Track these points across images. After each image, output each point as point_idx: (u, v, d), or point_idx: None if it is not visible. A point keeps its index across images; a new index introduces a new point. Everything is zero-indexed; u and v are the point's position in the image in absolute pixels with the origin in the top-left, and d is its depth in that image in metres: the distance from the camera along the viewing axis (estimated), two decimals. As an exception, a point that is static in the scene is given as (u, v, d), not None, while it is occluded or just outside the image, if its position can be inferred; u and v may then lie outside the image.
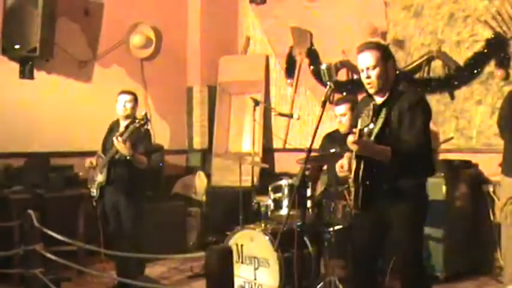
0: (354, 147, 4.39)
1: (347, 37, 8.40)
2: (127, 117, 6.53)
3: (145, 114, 6.23)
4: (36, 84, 7.84)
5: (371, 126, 4.41)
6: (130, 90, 6.71)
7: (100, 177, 6.45)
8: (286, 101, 9.24)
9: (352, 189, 4.52)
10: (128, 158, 6.26)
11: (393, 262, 5.91)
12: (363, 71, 4.66)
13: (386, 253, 5.13)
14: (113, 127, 6.69)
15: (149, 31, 9.11)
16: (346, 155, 4.70)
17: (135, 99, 6.62)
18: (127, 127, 6.27)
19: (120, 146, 6.13)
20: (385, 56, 4.61)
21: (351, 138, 4.39)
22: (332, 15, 8.64)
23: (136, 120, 6.22)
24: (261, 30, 9.67)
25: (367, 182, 4.47)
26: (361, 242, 4.80)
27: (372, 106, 4.46)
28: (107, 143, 6.64)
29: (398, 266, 4.83)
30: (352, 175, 4.52)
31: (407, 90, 4.66)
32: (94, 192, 6.52)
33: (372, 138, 4.43)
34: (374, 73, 4.57)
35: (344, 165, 4.68)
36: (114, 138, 6.17)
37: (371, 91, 4.66)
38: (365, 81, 4.65)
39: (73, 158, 7.86)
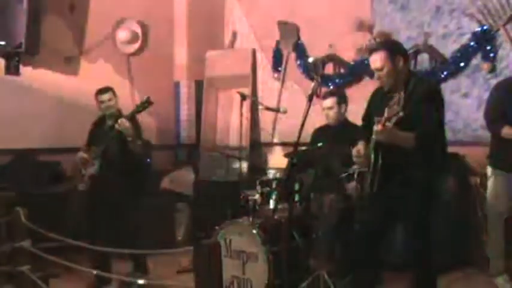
0: (380, 136, 4.50)
1: (334, 31, 8.40)
2: (112, 115, 6.60)
3: (148, 98, 6.34)
4: (22, 80, 7.80)
5: (401, 114, 4.41)
6: (107, 87, 6.71)
7: (92, 169, 6.48)
8: (273, 95, 9.22)
9: (368, 176, 4.69)
10: (120, 148, 6.39)
11: (388, 255, 5.95)
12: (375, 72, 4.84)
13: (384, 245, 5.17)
14: (99, 124, 6.76)
15: (135, 26, 9.08)
16: (361, 142, 4.88)
17: (114, 93, 6.70)
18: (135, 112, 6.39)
19: (126, 126, 6.21)
20: (391, 54, 4.72)
21: (376, 127, 4.49)
22: (319, 8, 8.63)
23: (140, 104, 6.38)
24: (248, 25, 9.66)
25: (385, 170, 4.61)
26: (369, 228, 4.93)
27: (401, 95, 4.48)
28: (94, 139, 6.68)
29: (407, 260, 4.88)
30: (370, 163, 4.69)
31: (422, 81, 4.74)
32: (84, 185, 6.53)
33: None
34: (383, 73, 4.73)
35: (360, 150, 4.85)
36: (122, 120, 6.23)
37: (385, 89, 4.80)
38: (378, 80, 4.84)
39: (60, 154, 7.83)
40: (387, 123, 4.44)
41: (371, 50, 4.84)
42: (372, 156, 4.66)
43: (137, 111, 6.38)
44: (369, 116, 4.97)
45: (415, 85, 4.69)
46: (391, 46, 4.81)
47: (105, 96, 6.61)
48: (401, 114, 4.40)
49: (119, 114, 6.57)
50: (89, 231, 6.64)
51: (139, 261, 6.73)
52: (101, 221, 6.56)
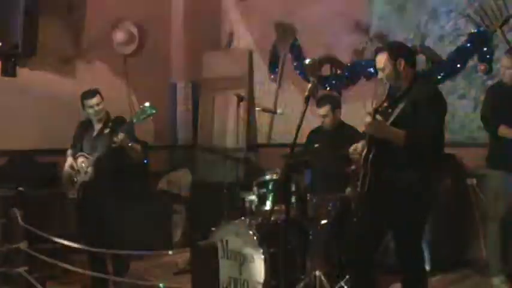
0: (369, 128, 4.58)
1: (331, 32, 8.40)
2: (101, 119, 6.44)
3: (151, 106, 6.03)
4: (18, 81, 7.78)
5: (385, 104, 4.62)
6: (93, 89, 6.42)
7: (85, 177, 6.33)
8: (270, 97, 9.22)
9: (361, 173, 4.67)
10: (113, 153, 6.21)
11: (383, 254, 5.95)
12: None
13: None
14: (86, 128, 6.56)
15: (132, 27, 9.08)
16: (362, 141, 4.88)
17: (101, 97, 6.39)
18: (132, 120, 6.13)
19: (123, 138, 6.00)
20: (392, 56, 4.75)
21: (367, 120, 4.58)
22: (316, 9, 8.63)
23: (141, 111, 6.06)
24: (245, 26, 9.65)
25: (376, 169, 4.60)
26: (362, 229, 4.91)
27: (388, 85, 4.67)
28: (81, 143, 6.52)
29: (399, 260, 4.88)
30: (361, 159, 4.69)
31: (425, 84, 4.83)
32: (75, 194, 6.37)
33: (388, 123, 4.58)
34: (383, 74, 4.80)
35: (357, 148, 4.90)
36: (122, 135, 5.99)
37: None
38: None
39: (57, 156, 7.81)
40: (377, 116, 4.54)
41: (376, 51, 4.92)
42: (364, 152, 4.68)
43: (139, 121, 6.09)
44: None
45: (416, 87, 4.70)
46: (393, 49, 4.84)
47: (94, 101, 6.30)
48: (386, 104, 4.59)
49: (108, 118, 6.41)
50: (81, 236, 6.59)
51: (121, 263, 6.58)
52: (93, 228, 6.50)
